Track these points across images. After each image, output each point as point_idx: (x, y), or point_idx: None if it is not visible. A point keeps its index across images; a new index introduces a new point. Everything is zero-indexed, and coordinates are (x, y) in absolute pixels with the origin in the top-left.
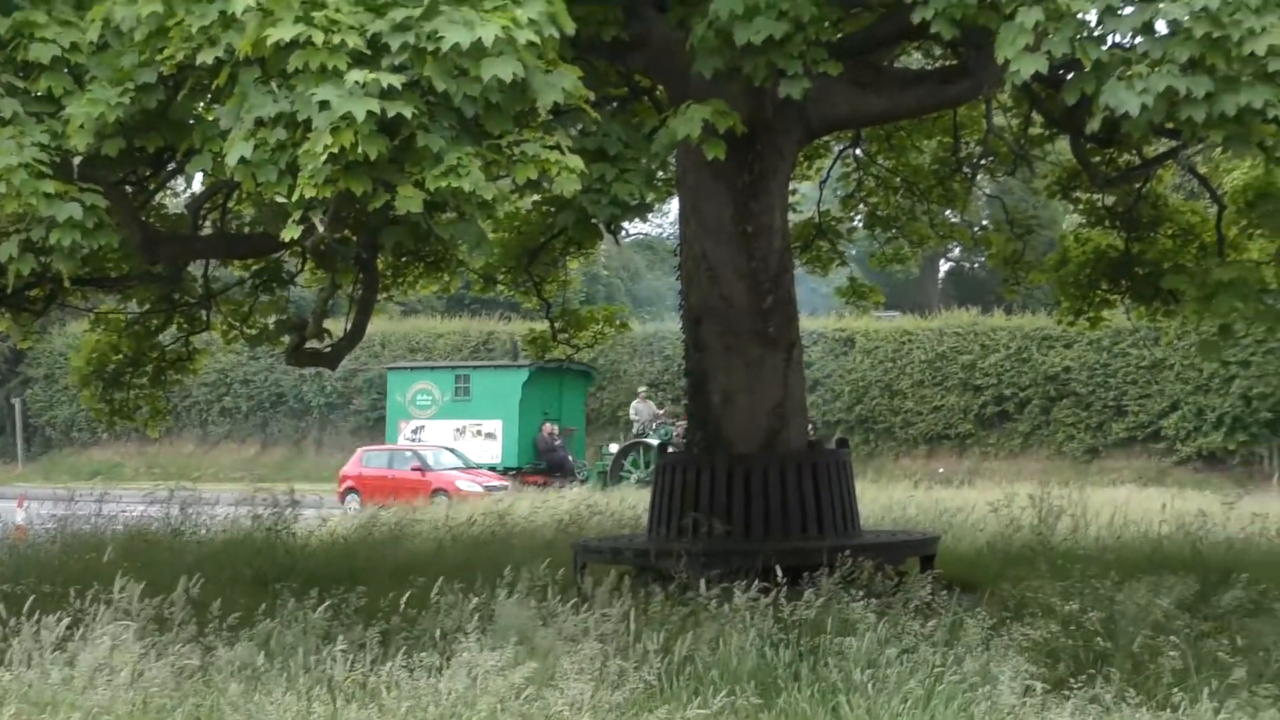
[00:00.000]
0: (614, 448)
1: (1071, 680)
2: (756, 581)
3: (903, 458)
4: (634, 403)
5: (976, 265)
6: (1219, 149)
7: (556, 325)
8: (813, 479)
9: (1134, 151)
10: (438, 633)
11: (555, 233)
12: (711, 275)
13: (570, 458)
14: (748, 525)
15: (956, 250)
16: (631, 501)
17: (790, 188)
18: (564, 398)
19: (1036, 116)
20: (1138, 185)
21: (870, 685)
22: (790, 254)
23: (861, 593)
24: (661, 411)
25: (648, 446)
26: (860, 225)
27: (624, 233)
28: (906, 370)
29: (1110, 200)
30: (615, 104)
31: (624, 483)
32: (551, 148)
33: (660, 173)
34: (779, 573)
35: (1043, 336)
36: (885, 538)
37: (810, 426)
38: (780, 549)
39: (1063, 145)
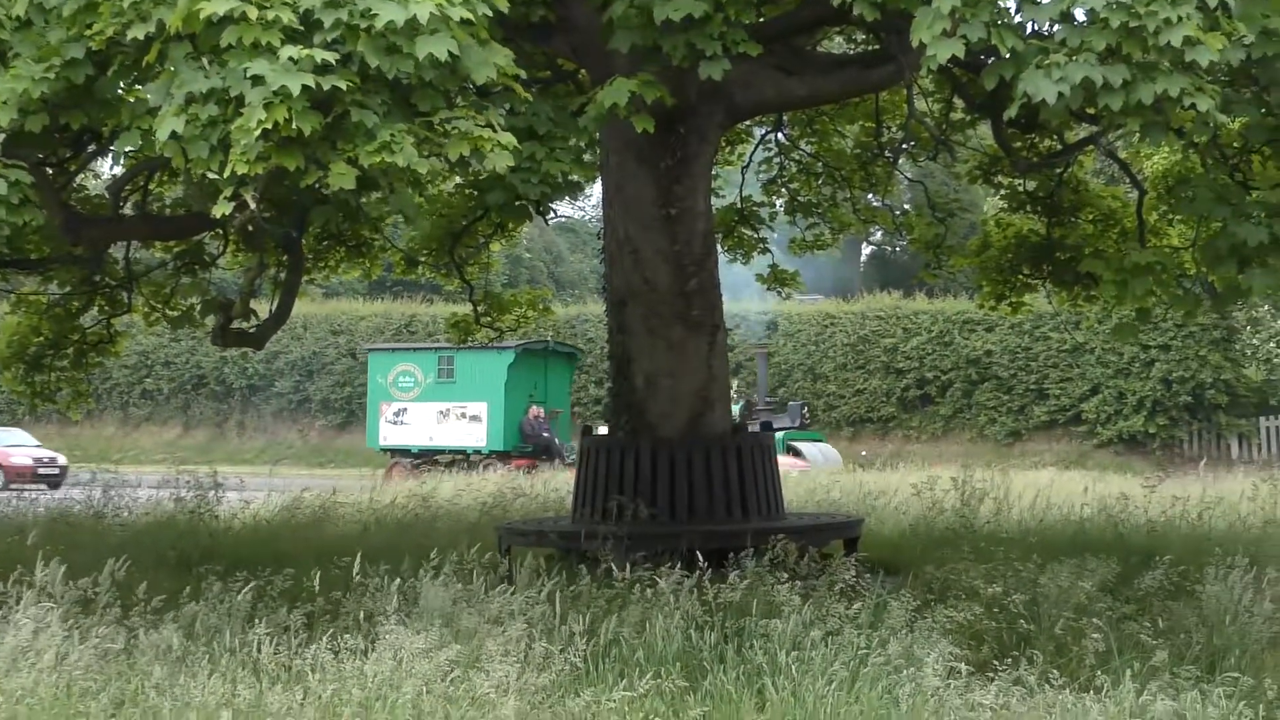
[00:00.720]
0: (604, 430)
1: (995, 662)
2: (681, 564)
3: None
4: None
5: (899, 249)
6: (1137, 136)
7: (479, 308)
8: (736, 462)
9: (1055, 137)
10: (362, 615)
11: (480, 215)
12: (635, 258)
13: (557, 441)
14: (672, 508)
15: (879, 234)
16: (556, 484)
17: (713, 173)
18: (549, 379)
19: (958, 101)
20: (1059, 170)
21: (795, 667)
22: (713, 237)
23: (786, 575)
24: None
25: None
26: (782, 210)
27: (552, 213)
28: (829, 354)
29: (1031, 185)
30: (541, 85)
31: None
32: (484, 125)
33: (586, 155)
34: (703, 556)
35: (965, 320)
36: (809, 521)
37: (804, 408)
38: (705, 532)
39: (984, 130)
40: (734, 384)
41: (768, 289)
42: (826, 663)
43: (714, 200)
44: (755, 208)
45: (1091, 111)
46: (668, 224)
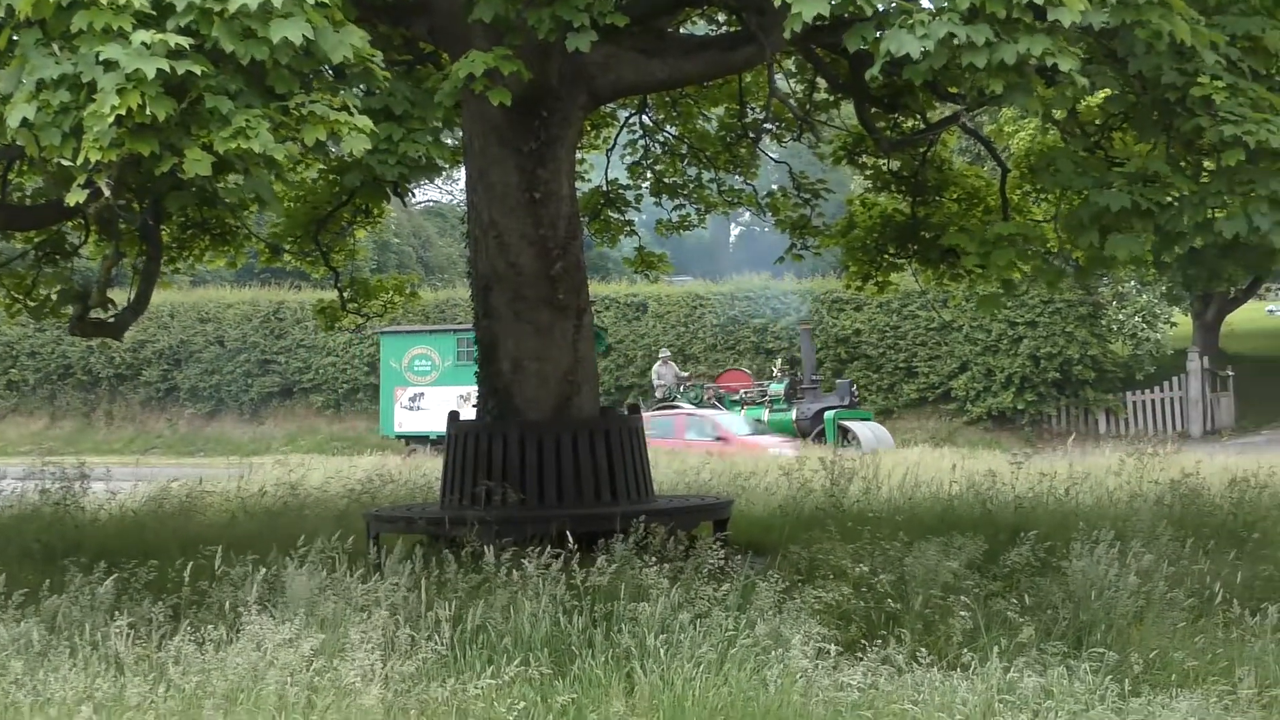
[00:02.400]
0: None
1: (863, 642)
2: (549, 549)
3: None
4: (655, 366)
5: (767, 229)
6: (1001, 105)
7: (345, 295)
8: (605, 445)
9: (918, 116)
10: (226, 605)
11: (344, 200)
12: (500, 242)
13: None
14: (540, 492)
15: (746, 215)
16: (424, 470)
17: (578, 157)
18: None
19: (821, 82)
20: (922, 150)
21: (664, 651)
22: (579, 220)
23: (655, 558)
24: (686, 375)
25: (678, 410)
26: (648, 193)
27: (411, 194)
28: (699, 335)
29: (895, 165)
30: (401, 66)
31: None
32: (340, 109)
33: (450, 140)
34: (572, 540)
35: (833, 300)
36: (678, 503)
37: (852, 386)
38: (573, 516)
39: (848, 110)
40: (777, 362)
41: (635, 272)
42: (695, 645)
43: (579, 184)
44: (621, 190)
45: (954, 90)
46: (532, 208)
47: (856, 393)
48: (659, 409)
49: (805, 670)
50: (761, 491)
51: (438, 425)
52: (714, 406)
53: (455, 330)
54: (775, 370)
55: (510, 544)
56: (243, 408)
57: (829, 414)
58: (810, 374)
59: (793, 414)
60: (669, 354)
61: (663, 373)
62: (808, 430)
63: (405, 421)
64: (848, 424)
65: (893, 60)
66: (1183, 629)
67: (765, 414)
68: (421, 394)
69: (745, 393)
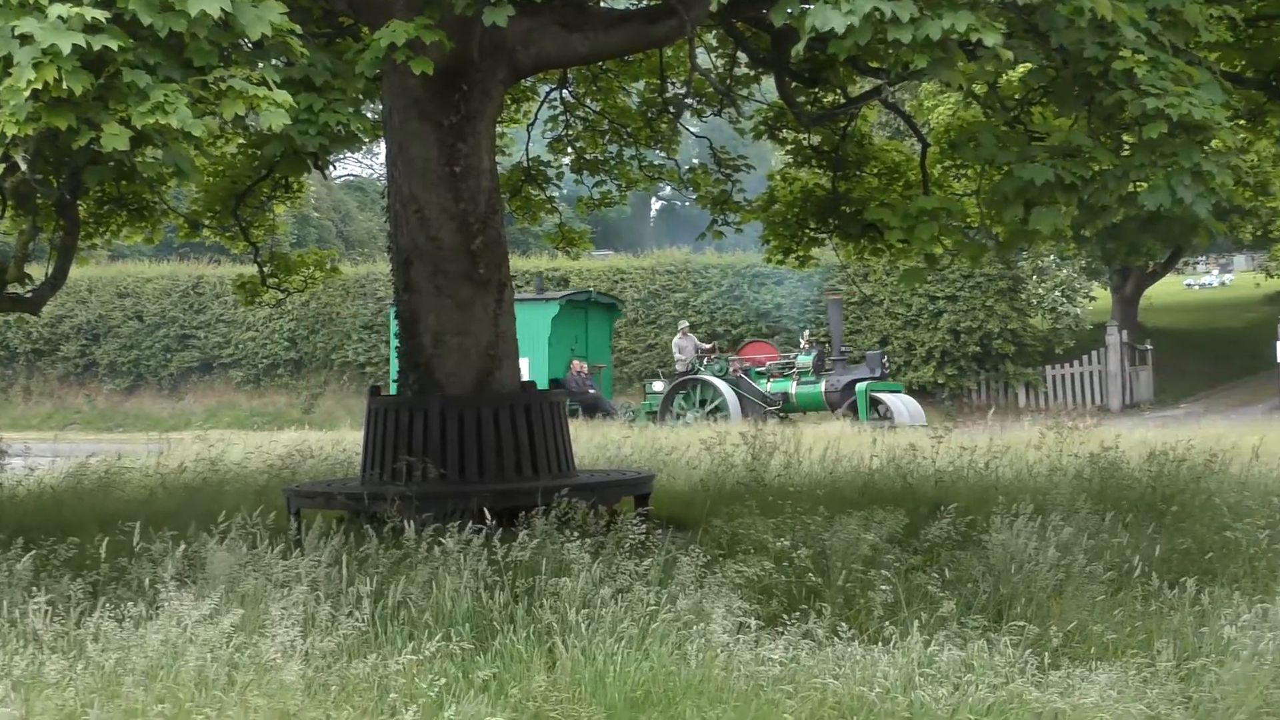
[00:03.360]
0: (658, 386)
1: (785, 616)
2: (470, 524)
3: (617, 396)
4: (675, 338)
5: (688, 204)
6: (924, 79)
7: (266, 269)
8: (526, 420)
9: (839, 91)
10: (146, 582)
11: (264, 174)
12: (420, 217)
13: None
14: (461, 467)
15: (667, 189)
16: (344, 445)
17: (498, 131)
18: (590, 332)
19: (741, 56)
20: (843, 124)
21: (585, 626)
22: (499, 195)
23: (576, 533)
24: (708, 347)
25: (703, 383)
26: (568, 169)
27: (332, 167)
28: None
29: (816, 140)
30: (321, 39)
31: (678, 423)
32: (259, 83)
33: (371, 115)
34: (492, 515)
35: (754, 274)
36: (599, 477)
37: (883, 357)
38: (494, 490)
39: (769, 85)
40: (805, 333)
41: (556, 248)
42: (616, 620)
43: (500, 160)
44: (542, 167)
45: (875, 65)
46: (452, 182)
47: (888, 364)
48: (681, 380)
49: (727, 645)
50: (683, 466)
51: None
52: (739, 378)
53: None
54: (802, 341)
55: (431, 519)
56: (162, 383)
57: (860, 386)
58: (839, 345)
59: (822, 386)
60: (688, 325)
61: (683, 345)
62: (838, 403)
63: None
64: (880, 396)
65: (817, 35)
66: (1102, 602)
67: (793, 386)
68: None
69: (771, 365)
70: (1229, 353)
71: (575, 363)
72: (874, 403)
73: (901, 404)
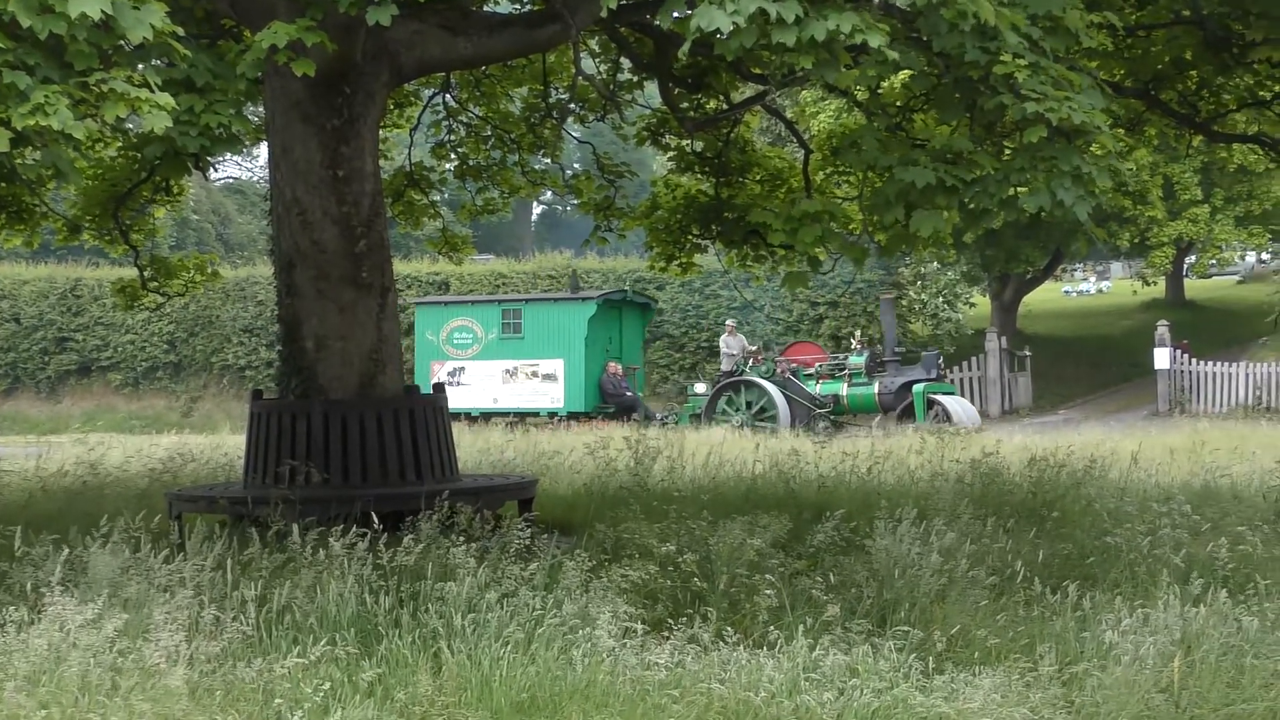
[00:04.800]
0: (700, 387)
1: (670, 621)
2: (355, 528)
3: None
4: (723, 336)
5: (569, 209)
6: (809, 82)
7: (146, 273)
8: (409, 424)
9: (721, 97)
10: (27, 586)
11: (144, 177)
12: (303, 220)
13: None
14: (345, 471)
15: (549, 194)
16: (226, 449)
17: (382, 136)
18: (624, 333)
19: (625, 62)
20: (725, 131)
21: (471, 630)
22: (382, 199)
23: (461, 538)
24: (754, 348)
25: (749, 385)
26: (451, 174)
27: (213, 168)
28: None
29: (699, 146)
30: (204, 40)
31: (724, 426)
32: (140, 85)
33: (254, 118)
34: (377, 519)
35: (636, 279)
36: (483, 482)
37: (939, 358)
38: (378, 495)
39: (652, 90)
40: (855, 334)
41: (439, 253)
42: (502, 625)
43: (382, 164)
44: (425, 171)
45: (758, 71)
46: (335, 185)
47: (943, 365)
48: (727, 381)
49: (612, 649)
50: (566, 470)
51: (480, 401)
52: (787, 380)
53: (501, 301)
54: (854, 342)
55: (315, 523)
56: (39, 386)
57: (918, 387)
58: (892, 345)
59: (875, 388)
60: (735, 324)
61: (730, 343)
62: (892, 405)
63: None
64: (937, 398)
65: (702, 38)
66: (985, 607)
67: (844, 388)
68: (462, 368)
69: (821, 366)
70: (1107, 359)
71: (611, 364)
72: (929, 404)
73: (959, 406)
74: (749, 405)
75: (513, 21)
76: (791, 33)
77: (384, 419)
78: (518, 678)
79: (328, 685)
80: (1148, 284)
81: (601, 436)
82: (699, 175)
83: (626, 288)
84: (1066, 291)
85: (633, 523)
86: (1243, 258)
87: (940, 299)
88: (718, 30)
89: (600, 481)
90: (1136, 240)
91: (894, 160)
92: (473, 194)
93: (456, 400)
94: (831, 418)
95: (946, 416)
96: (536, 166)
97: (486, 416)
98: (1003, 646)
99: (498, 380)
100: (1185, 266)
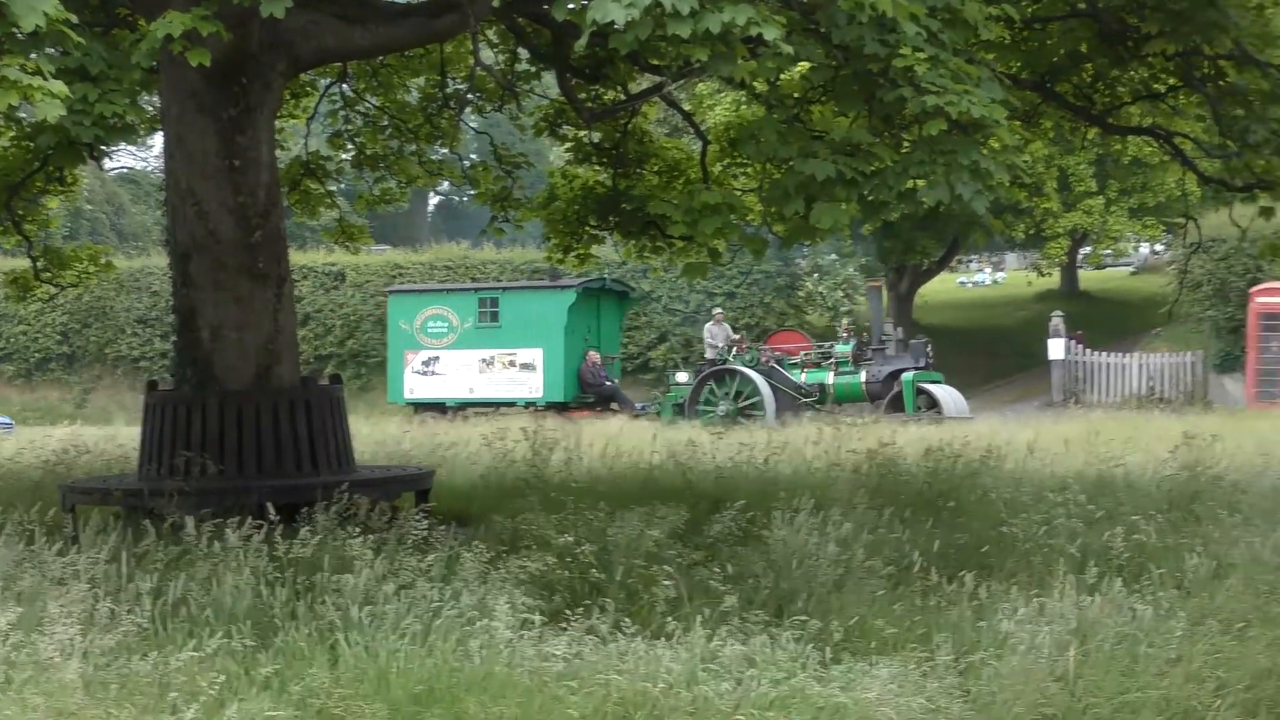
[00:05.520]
0: (682, 376)
1: (568, 612)
2: (251, 520)
3: None
4: (707, 325)
5: (466, 199)
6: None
7: (39, 264)
8: (305, 415)
9: (619, 88)
10: None
11: (39, 166)
12: (199, 210)
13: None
14: (241, 463)
15: (446, 184)
16: (120, 440)
17: (278, 127)
18: (602, 321)
19: (523, 52)
20: (623, 121)
21: (368, 622)
22: (279, 189)
23: (358, 529)
24: (738, 336)
25: (733, 374)
26: (348, 164)
27: (107, 158)
28: None
29: (597, 137)
30: (98, 28)
31: (708, 416)
32: (34, 73)
33: (149, 107)
34: (273, 511)
35: (532, 270)
36: (380, 473)
37: (928, 346)
38: (274, 486)
39: (550, 81)
40: (843, 322)
41: (336, 244)
42: (400, 617)
43: (279, 154)
44: (322, 161)
45: (656, 62)
46: (231, 175)
47: (932, 353)
48: (710, 371)
49: (510, 641)
50: (463, 461)
51: (455, 391)
52: (771, 369)
53: (478, 289)
54: (841, 330)
55: (211, 515)
56: None
57: (907, 376)
58: (879, 334)
59: (862, 376)
60: (722, 313)
61: (715, 332)
62: (879, 394)
63: (417, 387)
64: (927, 387)
65: (599, 30)
66: (882, 597)
67: (830, 377)
68: (437, 358)
69: (806, 355)
70: (1002, 350)
71: (591, 353)
72: (925, 394)
73: (947, 395)
74: (738, 394)
75: (411, 11)
76: (687, 25)
77: (280, 410)
78: (415, 669)
79: (224, 678)
80: (1042, 275)
81: (499, 428)
82: (597, 166)
83: (606, 274)
84: (962, 282)
85: (530, 514)
86: (1137, 249)
87: (840, 292)
88: (613, 22)
89: (498, 472)
90: (1032, 232)
91: (793, 152)
92: (370, 184)
93: (431, 390)
94: (817, 407)
95: (935, 405)
96: (434, 157)
97: (462, 407)
98: (899, 636)
99: (474, 370)
100: (1080, 258)
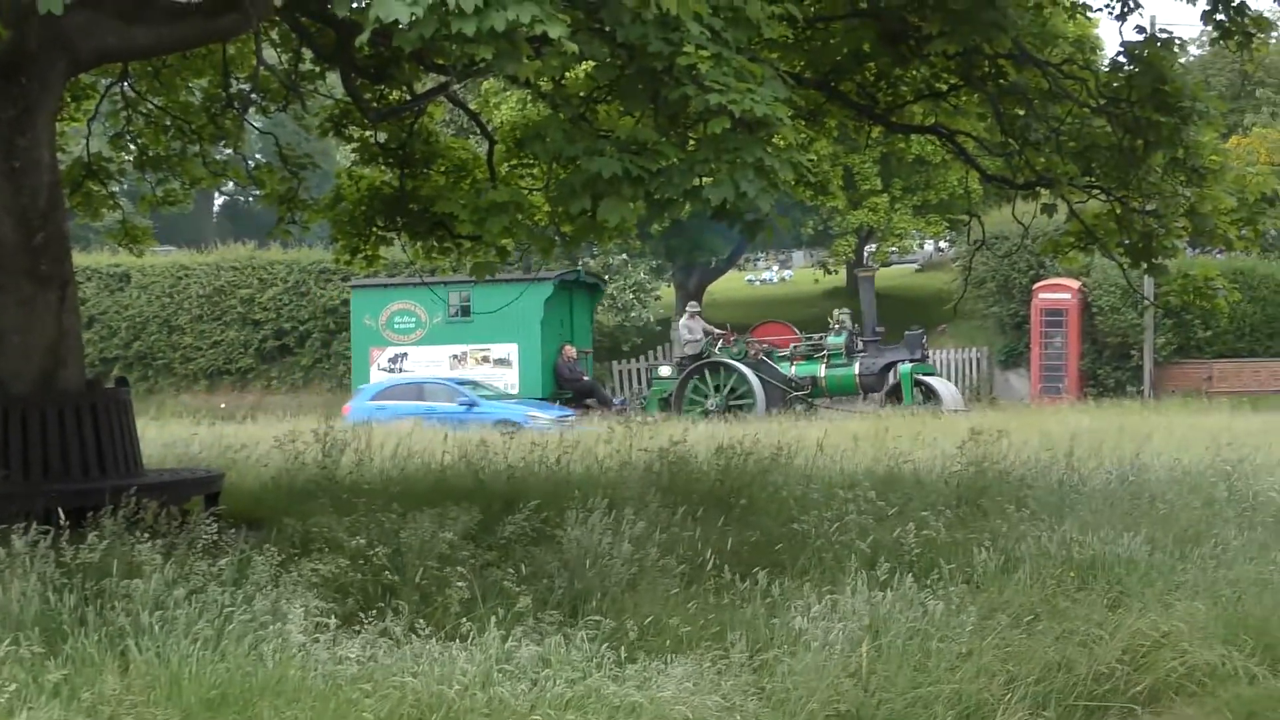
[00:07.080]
0: (665, 370)
1: (362, 614)
2: (37, 525)
3: (184, 393)
4: (682, 319)
5: (252, 199)
6: (491, 74)
7: None
8: (92, 419)
9: (405, 88)
10: None
11: None
12: None
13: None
14: (26, 467)
15: (231, 185)
16: None
17: (59, 129)
18: (575, 315)
19: (307, 52)
20: (409, 121)
21: (159, 628)
22: (60, 191)
23: (147, 534)
24: (718, 330)
25: (720, 367)
26: (131, 165)
27: None
28: (184, 305)
29: (383, 137)
30: None
31: (694, 411)
32: None
33: None
34: (60, 515)
35: (320, 270)
36: (168, 476)
37: (923, 337)
38: (61, 491)
39: (335, 81)
40: (834, 313)
41: (119, 245)
42: (191, 621)
43: (60, 155)
44: (104, 163)
45: (441, 62)
46: (11, 177)
47: (927, 345)
48: (696, 364)
49: (304, 644)
50: (253, 463)
51: None
52: (760, 362)
53: (447, 283)
54: (833, 322)
55: None
56: None
57: (904, 368)
58: (872, 325)
59: (855, 369)
60: (698, 308)
61: (692, 327)
62: (873, 386)
63: None
64: (927, 380)
65: (381, 29)
66: (676, 595)
67: (821, 369)
68: (404, 354)
69: (796, 347)
70: None
71: (566, 347)
72: (924, 388)
73: (944, 387)
74: (731, 389)
75: (192, 11)
76: (471, 23)
77: (65, 414)
78: (208, 675)
79: (13, 686)
80: (829, 272)
81: (290, 429)
82: (383, 166)
83: (579, 267)
84: (750, 280)
85: (322, 516)
86: (921, 246)
87: (630, 295)
88: (397, 20)
89: (288, 475)
90: (820, 229)
91: (579, 150)
92: (153, 185)
93: None
94: (808, 400)
95: (931, 397)
96: (218, 157)
97: None
98: (694, 634)
99: (444, 366)
100: (866, 255)
